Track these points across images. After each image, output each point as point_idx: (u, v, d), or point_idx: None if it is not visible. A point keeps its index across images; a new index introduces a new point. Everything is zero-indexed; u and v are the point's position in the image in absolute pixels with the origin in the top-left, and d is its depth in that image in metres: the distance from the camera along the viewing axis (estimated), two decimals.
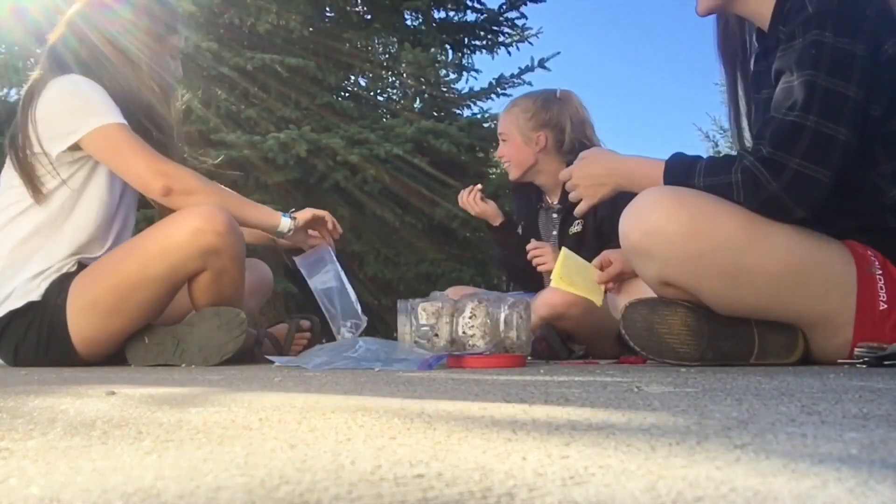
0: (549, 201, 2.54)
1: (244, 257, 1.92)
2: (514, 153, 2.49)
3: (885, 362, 1.36)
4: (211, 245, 1.78)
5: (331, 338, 2.06)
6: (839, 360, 1.48)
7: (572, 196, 1.69)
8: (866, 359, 1.39)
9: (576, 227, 2.41)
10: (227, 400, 0.86)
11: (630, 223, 1.49)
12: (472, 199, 2.49)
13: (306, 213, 2.04)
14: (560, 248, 2.40)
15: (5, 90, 4.18)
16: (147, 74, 1.97)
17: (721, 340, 1.50)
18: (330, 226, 2.11)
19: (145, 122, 1.93)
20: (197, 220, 1.77)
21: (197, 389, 1.04)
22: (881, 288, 1.44)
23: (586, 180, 1.64)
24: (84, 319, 1.81)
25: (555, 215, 2.50)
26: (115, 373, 1.51)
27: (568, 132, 2.49)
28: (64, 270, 1.87)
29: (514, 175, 2.51)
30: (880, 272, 1.45)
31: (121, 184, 1.96)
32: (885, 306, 1.44)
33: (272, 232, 2.01)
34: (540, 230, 2.55)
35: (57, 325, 1.82)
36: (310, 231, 2.11)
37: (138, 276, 1.79)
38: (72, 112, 1.84)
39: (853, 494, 0.37)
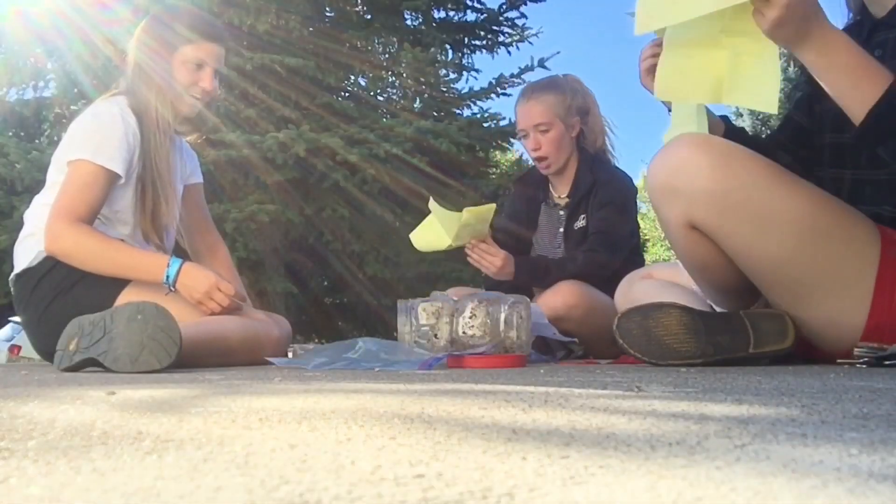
0: (556, 196, 2.50)
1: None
2: (558, 143, 2.35)
3: (886, 362, 1.36)
4: (264, 356, 1.87)
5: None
6: (839, 360, 1.48)
7: (759, 5, 1.30)
8: (866, 359, 1.39)
9: (580, 222, 2.40)
10: (227, 400, 0.86)
11: (658, 162, 1.48)
12: (481, 256, 2.25)
13: (186, 291, 1.87)
14: (564, 245, 2.41)
15: (5, 90, 4.18)
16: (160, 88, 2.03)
17: (718, 335, 1.51)
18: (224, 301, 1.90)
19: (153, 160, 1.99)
20: (280, 334, 2.01)
21: (197, 389, 1.04)
22: None
23: (792, 13, 1.29)
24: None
25: (561, 212, 2.47)
26: (115, 373, 1.51)
27: (589, 119, 2.44)
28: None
29: (555, 167, 2.37)
30: None
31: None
32: None
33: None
34: (541, 225, 2.53)
35: (106, 295, 1.87)
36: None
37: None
38: (79, 139, 1.94)
39: (853, 494, 0.37)
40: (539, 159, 2.40)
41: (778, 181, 1.43)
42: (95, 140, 1.92)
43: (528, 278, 2.31)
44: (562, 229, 2.45)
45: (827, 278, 1.46)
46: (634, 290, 1.75)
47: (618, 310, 1.81)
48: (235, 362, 1.87)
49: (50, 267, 1.92)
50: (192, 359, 1.68)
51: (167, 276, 1.86)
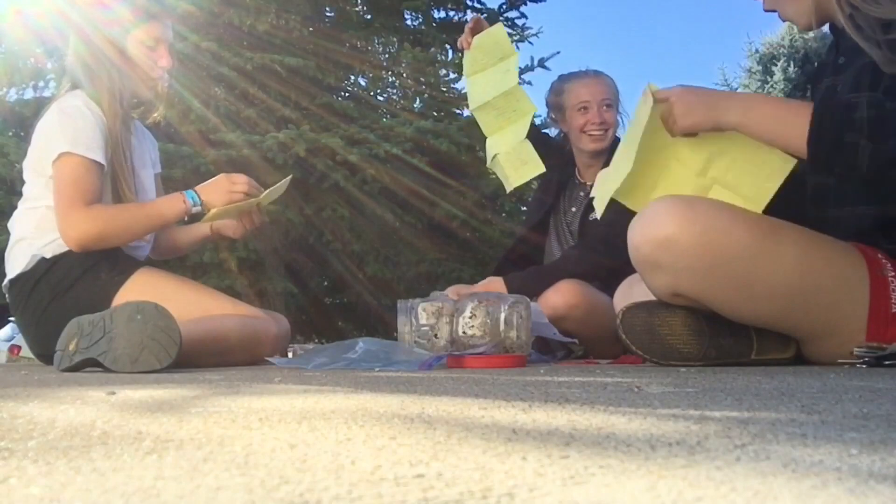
0: (583, 178, 2.56)
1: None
2: (615, 121, 2.49)
3: (885, 362, 1.36)
4: (263, 354, 1.92)
5: None
6: (839, 360, 1.49)
7: (666, 116, 1.51)
8: (866, 359, 1.39)
9: (594, 215, 2.42)
10: (227, 400, 0.86)
11: (640, 234, 1.46)
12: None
13: (212, 196, 2.00)
14: (579, 226, 2.45)
15: (5, 90, 4.18)
16: (131, 67, 2.03)
17: (722, 338, 1.51)
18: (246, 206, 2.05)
19: (122, 144, 1.99)
20: (278, 330, 1.99)
21: (197, 389, 1.04)
22: (893, 290, 1.44)
23: (686, 104, 1.48)
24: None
25: (582, 194, 2.53)
26: (115, 373, 1.51)
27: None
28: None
29: (608, 143, 2.47)
30: (892, 274, 1.45)
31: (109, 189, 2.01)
32: None
33: (183, 217, 2.03)
34: (564, 199, 2.57)
35: (103, 295, 1.87)
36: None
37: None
38: (52, 138, 1.92)
39: (853, 494, 0.37)
40: (600, 129, 2.47)
41: (762, 245, 1.42)
42: (70, 133, 1.90)
43: (524, 291, 2.33)
44: (574, 209, 2.52)
45: (822, 320, 1.47)
46: (635, 292, 1.74)
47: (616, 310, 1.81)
48: (235, 361, 1.87)
49: (46, 269, 1.92)
50: (192, 357, 1.68)
51: (192, 201, 1.96)
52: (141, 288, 1.88)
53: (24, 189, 2.04)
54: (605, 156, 2.48)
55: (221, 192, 1.99)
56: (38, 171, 1.98)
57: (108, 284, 1.89)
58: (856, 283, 1.44)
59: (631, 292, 1.76)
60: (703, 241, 1.41)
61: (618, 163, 1.64)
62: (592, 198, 2.40)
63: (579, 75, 2.58)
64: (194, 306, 1.87)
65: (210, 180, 2.04)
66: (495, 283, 2.26)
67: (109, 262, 1.93)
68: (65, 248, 1.91)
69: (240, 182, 2.01)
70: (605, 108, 2.46)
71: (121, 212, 1.94)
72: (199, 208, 1.98)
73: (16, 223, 2.03)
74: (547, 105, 2.69)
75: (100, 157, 1.91)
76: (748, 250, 1.42)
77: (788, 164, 1.47)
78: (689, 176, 1.56)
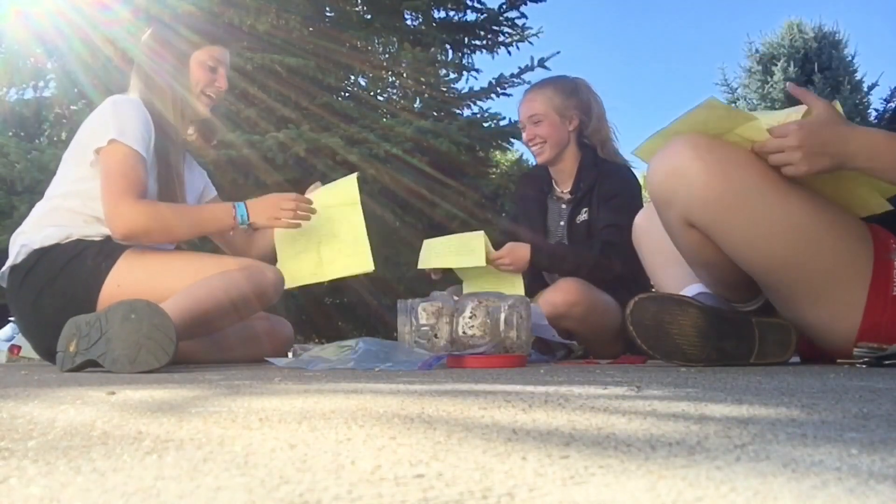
0: (560, 190, 2.54)
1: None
2: (552, 132, 2.45)
3: (885, 362, 1.36)
4: (270, 301, 1.93)
5: None
6: (839, 360, 1.49)
7: (781, 159, 1.42)
8: (866, 359, 1.39)
9: (583, 216, 2.41)
10: (227, 400, 0.86)
11: (655, 166, 1.49)
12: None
13: (261, 218, 2.01)
14: (567, 239, 2.43)
15: (5, 90, 4.18)
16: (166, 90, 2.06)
17: (725, 341, 1.51)
18: (292, 216, 2.04)
19: (169, 150, 2.02)
20: (274, 275, 1.93)
21: (197, 390, 1.04)
22: None
23: (812, 146, 1.39)
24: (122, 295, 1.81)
25: (563, 206, 2.50)
26: (115, 373, 1.51)
27: (592, 119, 2.50)
28: (96, 237, 1.93)
29: (548, 156, 2.46)
30: None
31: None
32: None
33: (228, 232, 2.08)
34: (548, 219, 2.55)
35: (92, 281, 1.86)
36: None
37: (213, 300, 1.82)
38: (102, 125, 1.93)
39: (853, 494, 0.37)
40: (532, 145, 2.50)
41: (772, 188, 1.43)
42: (121, 122, 1.91)
43: (547, 262, 2.33)
44: (563, 223, 2.47)
45: (820, 282, 1.47)
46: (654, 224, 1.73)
47: (640, 245, 1.82)
48: (228, 323, 1.89)
49: (35, 261, 1.91)
50: (189, 329, 1.71)
51: (240, 217, 1.97)
52: (129, 270, 1.87)
53: (54, 180, 2.04)
54: (577, 161, 2.48)
55: (267, 215, 1.99)
56: (77, 159, 1.98)
57: (96, 271, 1.88)
58: (857, 257, 1.45)
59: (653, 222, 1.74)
60: (716, 171, 1.42)
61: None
62: (576, 199, 2.42)
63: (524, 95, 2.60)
64: (186, 273, 1.86)
65: (263, 197, 2.04)
66: (520, 250, 2.26)
67: (94, 247, 1.91)
68: (53, 241, 1.90)
69: (287, 206, 2.01)
70: (533, 124, 2.46)
71: (170, 211, 1.95)
72: (245, 227, 1.99)
73: (39, 210, 2.03)
74: None
75: (144, 151, 1.92)
76: (760, 186, 1.43)
77: (881, 208, 1.47)
78: None
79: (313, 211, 2.07)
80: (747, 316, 1.57)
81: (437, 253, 2.37)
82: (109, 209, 1.87)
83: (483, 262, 2.22)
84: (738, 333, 1.52)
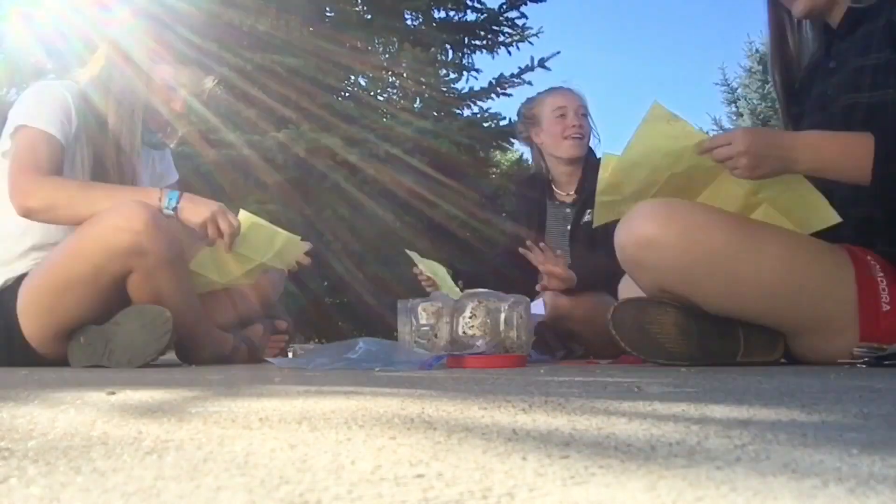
0: (561, 194, 2.55)
1: (179, 256, 1.79)
2: (588, 130, 2.52)
3: (885, 362, 1.36)
4: (130, 244, 1.69)
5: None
6: (839, 360, 1.49)
7: (729, 162, 1.43)
8: (866, 359, 1.39)
9: (587, 217, 2.41)
10: (227, 400, 0.86)
11: (625, 235, 1.51)
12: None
13: (192, 215, 1.80)
14: (571, 243, 2.43)
15: (5, 90, 4.18)
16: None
17: (709, 339, 1.52)
18: (224, 229, 1.83)
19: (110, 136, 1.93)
20: (116, 218, 1.69)
21: (197, 389, 1.04)
22: (883, 290, 1.45)
23: (758, 150, 1.41)
24: (28, 319, 1.80)
25: (568, 209, 2.51)
26: (114, 373, 1.51)
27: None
28: (20, 271, 1.88)
29: (583, 151, 2.49)
30: (882, 275, 1.46)
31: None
32: (889, 307, 1.44)
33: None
34: (548, 224, 2.55)
35: (13, 322, 1.82)
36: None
37: (66, 276, 1.74)
38: (14, 114, 1.87)
39: (853, 494, 0.37)
40: (576, 135, 2.49)
41: (743, 244, 1.45)
42: (32, 108, 1.86)
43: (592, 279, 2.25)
44: (569, 226, 2.48)
45: (809, 317, 1.50)
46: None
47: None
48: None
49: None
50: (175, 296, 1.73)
51: (168, 201, 1.78)
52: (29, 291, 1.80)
53: None
54: (582, 163, 2.49)
55: (201, 217, 1.79)
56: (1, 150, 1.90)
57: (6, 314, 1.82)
58: (841, 282, 1.46)
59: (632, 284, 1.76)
60: (684, 240, 1.44)
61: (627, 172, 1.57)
62: (581, 199, 2.41)
63: (553, 89, 2.63)
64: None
65: (211, 201, 1.84)
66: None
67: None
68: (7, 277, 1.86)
69: (225, 228, 1.81)
70: (581, 116, 2.51)
71: (78, 185, 1.83)
72: (170, 213, 1.78)
73: None
74: (520, 118, 2.69)
75: (57, 132, 1.83)
76: (729, 248, 1.44)
77: (832, 221, 1.48)
78: (739, 194, 1.55)
79: (229, 249, 1.87)
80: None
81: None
82: (11, 186, 1.79)
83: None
84: (721, 332, 1.53)
